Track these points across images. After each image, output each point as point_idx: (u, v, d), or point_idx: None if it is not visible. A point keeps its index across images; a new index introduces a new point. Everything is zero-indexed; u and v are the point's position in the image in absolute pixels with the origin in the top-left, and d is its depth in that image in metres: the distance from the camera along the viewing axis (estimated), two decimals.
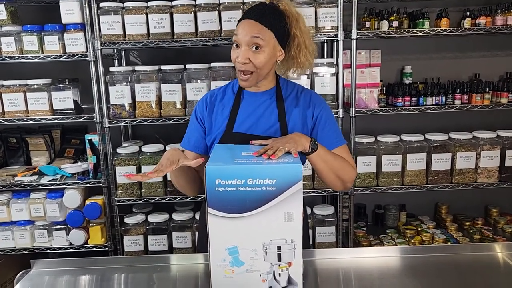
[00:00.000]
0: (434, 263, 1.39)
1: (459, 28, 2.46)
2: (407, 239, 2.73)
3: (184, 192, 1.59)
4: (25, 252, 2.58)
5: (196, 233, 2.56)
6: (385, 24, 2.48)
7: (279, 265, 1.05)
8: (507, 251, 1.45)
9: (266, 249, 1.04)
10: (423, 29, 2.44)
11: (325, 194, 2.66)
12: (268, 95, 1.51)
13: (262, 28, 1.38)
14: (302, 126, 1.49)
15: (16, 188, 2.50)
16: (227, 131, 1.47)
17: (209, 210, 1.03)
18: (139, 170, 2.46)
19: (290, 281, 1.06)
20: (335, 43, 2.57)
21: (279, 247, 1.04)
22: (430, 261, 1.40)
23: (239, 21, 1.44)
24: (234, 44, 1.42)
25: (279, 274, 1.06)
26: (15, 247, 2.58)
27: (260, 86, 1.50)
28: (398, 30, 2.45)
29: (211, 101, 1.55)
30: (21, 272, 1.39)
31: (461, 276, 1.33)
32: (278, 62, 1.48)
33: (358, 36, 2.38)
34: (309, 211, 2.54)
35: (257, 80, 1.45)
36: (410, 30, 2.44)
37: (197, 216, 2.60)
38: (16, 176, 2.54)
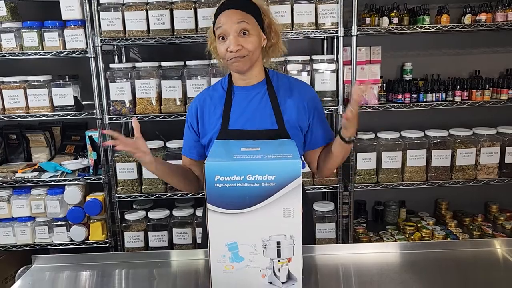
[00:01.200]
0: (433, 259, 1.39)
1: (460, 24, 2.46)
2: (407, 236, 2.74)
3: (183, 190, 1.62)
4: (26, 248, 2.59)
5: (197, 229, 2.57)
6: (385, 21, 2.48)
7: (279, 261, 1.06)
8: (507, 247, 1.45)
9: (265, 245, 1.05)
10: (423, 26, 2.44)
11: (325, 190, 2.67)
12: (259, 88, 1.51)
13: (245, 14, 1.39)
14: (298, 117, 1.49)
15: (16, 184, 2.51)
16: (223, 129, 1.46)
17: (209, 206, 1.03)
18: (139, 167, 2.47)
19: (289, 276, 1.07)
20: (335, 39, 2.57)
21: (278, 243, 1.05)
22: (429, 257, 1.40)
23: (217, 14, 1.43)
24: (220, 38, 1.41)
25: (279, 270, 1.06)
26: (16, 243, 2.59)
27: (250, 79, 1.50)
28: (399, 26, 2.44)
29: (200, 104, 1.55)
30: (22, 268, 1.40)
31: (461, 272, 1.34)
32: (265, 48, 1.50)
33: (358, 33, 2.38)
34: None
35: (250, 63, 1.43)
36: (411, 26, 2.44)
37: (197, 213, 2.61)
38: (17, 172, 2.54)
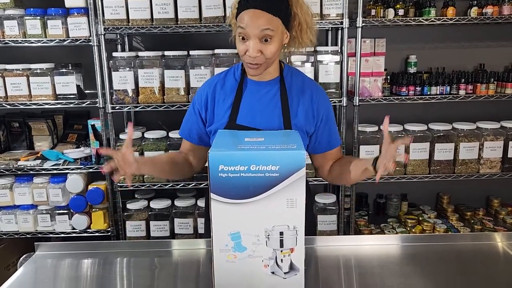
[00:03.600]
0: (434, 251, 1.40)
1: (466, 17, 2.43)
2: (408, 229, 2.74)
3: (175, 178, 1.59)
4: (28, 236, 2.60)
5: (198, 219, 2.57)
6: (391, 12, 2.46)
7: (281, 251, 1.06)
8: (507, 241, 1.45)
9: (268, 235, 1.05)
10: (429, 18, 2.42)
11: (327, 182, 2.67)
12: (272, 85, 1.48)
13: (270, 17, 1.30)
14: (305, 122, 1.47)
15: (19, 172, 2.51)
16: (230, 122, 1.44)
17: (212, 196, 1.03)
18: (142, 156, 2.47)
19: (292, 266, 1.07)
20: (340, 31, 2.55)
21: (281, 233, 1.05)
22: (430, 250, 1.41)
23: (240, 9, 1.34)
24: (240, 37, 1.34)
25: (281, 260, 1.07)
26: (18, 231, 2.60)
27: (264, 75, 1.45)
28: (404, 18, 2.42)
29: (211, 92, 1.51)
30: (24, 256, 1.40)
31: (461, 264, 1.34)
32: (285, 45, 1.44)
33: (363, 24, 2.36)
34: None
35: (266, 68, 1.40)
36: (416, 18, 2.42)
37: (199, 203, 2.61)
38: (19, 160, 2.54)
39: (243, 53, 1.36)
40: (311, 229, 1.73)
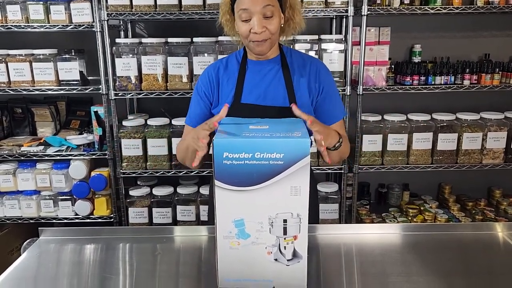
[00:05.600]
0: (435, 240, 1.40)
1: (472, 6, 2.41)
2: (410, 218, 2.75)
3: (184, 164, 1.54)
4: (31, 221, 2.62)
5: (201, 207, 2.58)
6: (396, 1, 2.43)
7: (285, 238, 1.06)
8: (508, 231, 1.45)
9: (272, 222, 1.05)
10: (435, 7, 2.40)
11: (329, 171, 2.67)
12: (274, 63, 1.50)
13: None
14: (309, 96, 1.49)
15: (22, 158, 2.52)
16: (235, 102, 1.46)
17: (216, 183, 1.03)
18: (144, 143, 2.48)
19: (295, 254, 1.07)
20: (344, 19, 2.53)
21: (285, 221, 1.05)
22: (431, 239, 1.41)
23: None
24: (242, 20, 1.38)
25: (285, 247, 1.07)
26: (21, 216, 2.62)
27: (266, 55, 1.49)
28: (410, 7, 2.40)
29: (215, 74, 1.53)
30: (28, 240, 1.41)
31: (461, 254, 1.34)
32: (281, 26, 1.47)
33: (368, 12, 2.34)
34: None
35: (271, 45, 1.44)
36: (422, 7, 2.40)
37: (201, 190, 2.62)
38: (22, 146, 2.55)
39: (247, 33, 1.39)
40: (314, 217, 1.74)
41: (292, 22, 1.50)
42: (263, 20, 1.37)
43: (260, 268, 1.09)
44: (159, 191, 2.60)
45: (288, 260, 1.08)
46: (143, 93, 2.41)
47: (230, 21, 1.49)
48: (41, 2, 2.37)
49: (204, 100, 1.54)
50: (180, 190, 2.62)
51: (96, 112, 2.49)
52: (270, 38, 1.41)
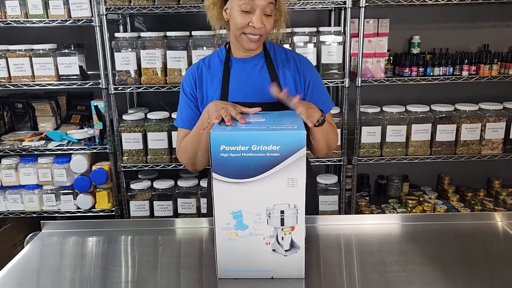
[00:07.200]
0: (434, 230, 1.41)
1: None
2: (409, 209, 2.77)
3: (192, 165, 1.52)
4: (33, 215, 2.64)
5: (201, 199, 2.60)
6: None
7: (282, 229, 1.08)
8: (507, 220, 1.46)
9: (269, 214, 1.07)
10: None
11: (328, 163, 2.69)
12: (257, 59, 1.51)
13: None
14: (295, 90, 1.50)
15: (23, 152, 2.54)
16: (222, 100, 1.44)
17: (214, 175, 1.05)
18: (144, 137, 2.49)
19: (292, 244, 1.09)
20: (342, 11, 2.53)
21: (282, 212, 1.07)
22: (430, 229, 1.42)
23: None
24: (242, 10, 1.37)
25: (282, 238, 1.09)
26: (24, 210, 2.64)
27: (250, 51, 1.49)
28: None
29: (198, 73, 1.52)
30: (31, 234, 1.43)
31: (461, 243, 1.36)
32: None
33: (367, 4, 2.34)
34: None
35: (261, 43, 1.47)
36: None
37: (202, 183, 2.64)
38: (24, 141, 2.57)
39: (244, 25, 1.38)
40: (314, 209, 1.75)
41: (277, 24, 1.50)
42: (263, 16, 1.38)
43: (258, 259, 1.10)
44: (160, 184, 2.62)
45: (286, 250, 1.09)
46: (142, 87, 2.42)
47: (219, 7, 1.46)
48: None
49: (192, 101, 1.53)
50: (180, 183, 2.64)
51: (96, 107, 2.51)
52: (263, 36, 1.42)
